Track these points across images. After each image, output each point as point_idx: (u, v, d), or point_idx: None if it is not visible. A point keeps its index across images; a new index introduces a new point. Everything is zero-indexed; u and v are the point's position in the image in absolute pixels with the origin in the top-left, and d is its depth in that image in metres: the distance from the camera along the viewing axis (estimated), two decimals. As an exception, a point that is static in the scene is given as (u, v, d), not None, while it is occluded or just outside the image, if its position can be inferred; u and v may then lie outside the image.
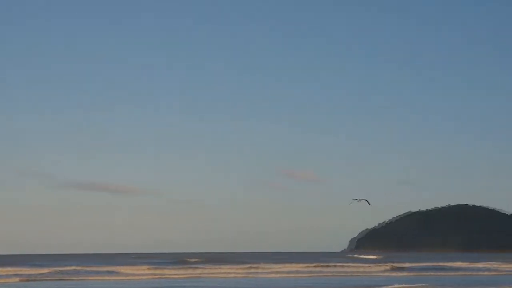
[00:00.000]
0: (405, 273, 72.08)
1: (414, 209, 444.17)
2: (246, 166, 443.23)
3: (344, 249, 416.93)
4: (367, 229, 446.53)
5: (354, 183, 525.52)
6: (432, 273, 72.06)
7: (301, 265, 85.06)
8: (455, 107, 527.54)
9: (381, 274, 69.14)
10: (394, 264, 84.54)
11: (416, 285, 50.07)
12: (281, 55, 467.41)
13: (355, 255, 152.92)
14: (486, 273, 73.94)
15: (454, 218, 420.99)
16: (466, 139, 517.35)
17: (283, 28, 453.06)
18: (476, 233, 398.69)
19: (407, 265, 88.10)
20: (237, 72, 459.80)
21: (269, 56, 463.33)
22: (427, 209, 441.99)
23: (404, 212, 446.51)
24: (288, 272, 68.47)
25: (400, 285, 48.95)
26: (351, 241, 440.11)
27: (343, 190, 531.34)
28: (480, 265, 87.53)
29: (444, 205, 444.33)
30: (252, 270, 72.12)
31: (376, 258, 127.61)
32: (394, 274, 70.66)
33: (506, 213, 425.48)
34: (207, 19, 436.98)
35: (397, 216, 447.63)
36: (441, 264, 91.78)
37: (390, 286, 47.68)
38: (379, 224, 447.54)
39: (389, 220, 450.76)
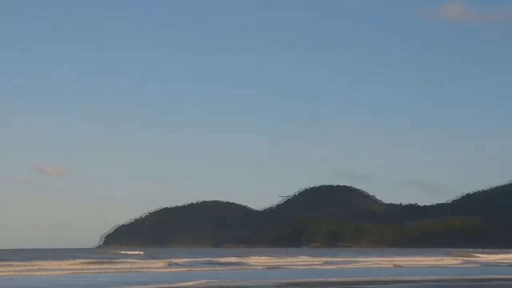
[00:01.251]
0: (184, 269, 68.00)
1: (170, 204, 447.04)
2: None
3: (100, 245, 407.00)
4: (119, 224, 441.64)
5: (107, 178, 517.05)
6: (207, 268, 68.91)
7: (63, 262, 77.99)
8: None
9: (160, 270, 64.62)
10: (171, 260, 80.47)
11: (214, 280, 46.39)
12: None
13: (116, 251, 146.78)
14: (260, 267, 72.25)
15: (207, 214, 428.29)
16: (217, 138, 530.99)
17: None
18: (225, 229, 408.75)
19: (183, 260, 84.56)
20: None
21: None
22: (182, 205, 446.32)
23: (160, 207, 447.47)
24: (54, 270, 61.61)
25: (207, 280, 44.81)
26: (106, 236, 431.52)
27: (94, 186, 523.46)
28: (252, 260, 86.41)
29: (198, 201, 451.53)
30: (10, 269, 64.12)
31: (139, 254, 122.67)
32: (172, 270, 66.41)
33: (255, 210, 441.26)
34: None
35: (151, 212, 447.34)
36: (215, 259, 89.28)
37: (193, 282, 43.29)
38: (131, 219, 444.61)
39: (144, 215, 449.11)
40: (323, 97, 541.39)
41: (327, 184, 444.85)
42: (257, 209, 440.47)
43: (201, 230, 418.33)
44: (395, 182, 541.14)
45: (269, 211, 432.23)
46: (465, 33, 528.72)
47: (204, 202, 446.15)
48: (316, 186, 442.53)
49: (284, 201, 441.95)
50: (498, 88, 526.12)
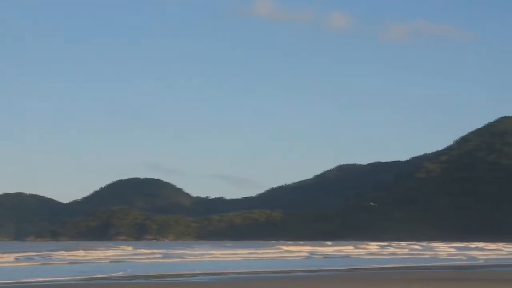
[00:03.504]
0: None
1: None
2: None
3: None
4: None
5: None
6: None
7: None
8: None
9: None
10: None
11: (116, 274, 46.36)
12: None
13: None
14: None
15: (9, 206, 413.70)
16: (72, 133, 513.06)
17: None
18: (28, 222, 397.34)
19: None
20: None
21: None
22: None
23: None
24: None
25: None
26: None
27: None
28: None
29: (0, 193, 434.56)
30: None
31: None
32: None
33: (62, 202, 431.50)
34: None
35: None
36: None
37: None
38: None
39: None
40: (130, 89, 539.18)
41: (136, 177, 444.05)
42: (64, 202, 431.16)
43: (3, 223, 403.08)
44: (204, 176, 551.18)
45: (76, 203, 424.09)
46: (275, 31, 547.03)
47: (6, 194, 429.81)
48: (125, 179, 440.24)
49: (91, 194, 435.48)
50: (303, 83, 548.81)
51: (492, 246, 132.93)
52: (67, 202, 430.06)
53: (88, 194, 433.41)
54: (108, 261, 73.61)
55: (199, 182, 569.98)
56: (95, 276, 46.08)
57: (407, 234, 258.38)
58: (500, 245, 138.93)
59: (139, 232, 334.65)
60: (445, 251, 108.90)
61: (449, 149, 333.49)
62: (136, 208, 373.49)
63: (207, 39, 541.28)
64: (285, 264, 67.83)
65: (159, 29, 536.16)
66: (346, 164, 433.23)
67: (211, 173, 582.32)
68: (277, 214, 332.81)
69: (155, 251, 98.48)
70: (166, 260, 74.93)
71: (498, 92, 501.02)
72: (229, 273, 50.36)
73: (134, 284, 40.39)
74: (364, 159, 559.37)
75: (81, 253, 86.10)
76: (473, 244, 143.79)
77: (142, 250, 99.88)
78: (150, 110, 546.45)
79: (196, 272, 51.29)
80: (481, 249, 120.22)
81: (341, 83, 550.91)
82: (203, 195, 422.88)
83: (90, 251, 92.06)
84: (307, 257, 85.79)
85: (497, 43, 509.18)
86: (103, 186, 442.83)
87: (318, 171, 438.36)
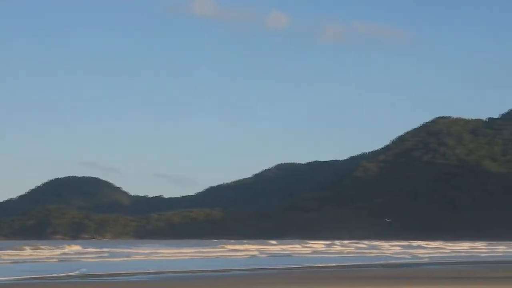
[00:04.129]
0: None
1: None
2: None
3: None
4: None
5: None
6: None
7: None
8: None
9: None
10: None
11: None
12: None
13: None
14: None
15: None
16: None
17: None
18: None
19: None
20: None
21: None
22: None
23: None
24: None
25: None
26: None
27: None
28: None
29: None
30: None
31: None
32: None
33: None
34: None
35: None
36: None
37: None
38: None
39: None
40: (66, 90, 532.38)
41: (74, 175, 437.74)
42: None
43: None
44: (142, 175, 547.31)
45: (11, 202, 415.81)
46: (212, 31, 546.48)
47: None
48: (62, 177, 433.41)
49: (27, 193, 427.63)
50: (241, 83, 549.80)
51: (434, 244, 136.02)
52: (2, 201, 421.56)
53: (24, 193, 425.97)
54: (56, 260, 72.81)
55: (138, 181, 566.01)
56: (55, 275, 45.69)
57: (345, 233, 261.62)
58: (440, 243, 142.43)
59: (76, 231, 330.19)
60: (390, 249, 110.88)
61: (386, 148, 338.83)
62: (74, 207, 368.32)
63: (140, 36, 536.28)
64: (240, 262, 68.25)
65: (92, 25, 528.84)
66: (285, 163, 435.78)
67: (150, 171, 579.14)
68: (217, 213, 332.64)
69: (98, 250, 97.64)
70: (115, 259, 74.52)
71: (434, 92, 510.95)
72: (183, 271, 50.67)
73: (98, 283, 40.25)
74: (303, 158, 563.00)
75: (27, 252, 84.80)
76: (415, 243, 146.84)
77: (90, 249, 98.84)
78: (86, 107, 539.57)
79: (151, 270, 51.33)
80: (424, 247, 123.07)
81: (279, 83, 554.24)
82: (142, 194, 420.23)
83: (38, 250, 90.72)
84: (253, 256, 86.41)
85: (433, 44, 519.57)
86: (39, 185, 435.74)
87: (258, 170, 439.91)
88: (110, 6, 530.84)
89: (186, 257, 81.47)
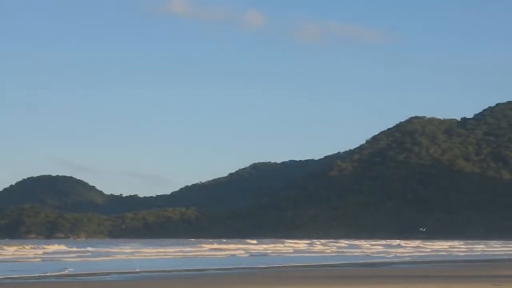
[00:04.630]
0: None
1: None
2: None
3: None
4: None
5: None
6: None
7: None
8: None
9: None
10: None
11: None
12: None
13: None
14: None
15: None
16: None
17: None
18: None
19: None
20: None
21: None
22: None
23: None
24: None
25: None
26: None
27: None
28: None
29: None
30: None
31: None
32: None
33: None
34: None
35: None
36: None
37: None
38: None
39: None
40: (39, 88, 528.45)
41: (48, 174, 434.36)
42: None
43: None
44: (117, 173, 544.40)
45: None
46: (188, 29, 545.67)
47: None
48: (36, 176, 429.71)
49: (0, 192, 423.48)
50: (217, 81, 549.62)
51: (413, 244, 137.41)
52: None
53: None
54: (40, 259, 72.39)
55: (112, 180, 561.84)
56: (45, 275, 45.44)
57: (320, 232, 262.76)
58: (420, 243, 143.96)
59: (50, 230, 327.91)
60: (371, 248, 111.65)
61: (361, 148, 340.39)
62: (48, 206, 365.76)
63: (114, 34, 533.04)
64: (228, 261, 68.37)
65: (65, 23, 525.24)
66: (260, 163, 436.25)
67: (124, 170, 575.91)
68: (192, 212, 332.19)
69: (80, 249, 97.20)
70: (98, 259, 74.27)
71: (409, 92, 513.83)
72: (170, 270, 50.77)
73: (91, 282, 40.13)
74: (278, 158, 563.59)
75: (9, 251, 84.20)
76: (395, 242, 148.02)
77: (73, 248, 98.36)
78: (60, 106, 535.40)
79: (137, 270, 51.31)
80: (403, 246, 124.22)
81: (255, 82, 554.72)
82: (116, 193, 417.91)
83: (20, 250, 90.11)
84: (234, 255, 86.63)
85: (408, 44, 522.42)
86: (12, 184, 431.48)
87: (233, 169, 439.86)
88: (86, 4, 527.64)
89: (169, 257, 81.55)
